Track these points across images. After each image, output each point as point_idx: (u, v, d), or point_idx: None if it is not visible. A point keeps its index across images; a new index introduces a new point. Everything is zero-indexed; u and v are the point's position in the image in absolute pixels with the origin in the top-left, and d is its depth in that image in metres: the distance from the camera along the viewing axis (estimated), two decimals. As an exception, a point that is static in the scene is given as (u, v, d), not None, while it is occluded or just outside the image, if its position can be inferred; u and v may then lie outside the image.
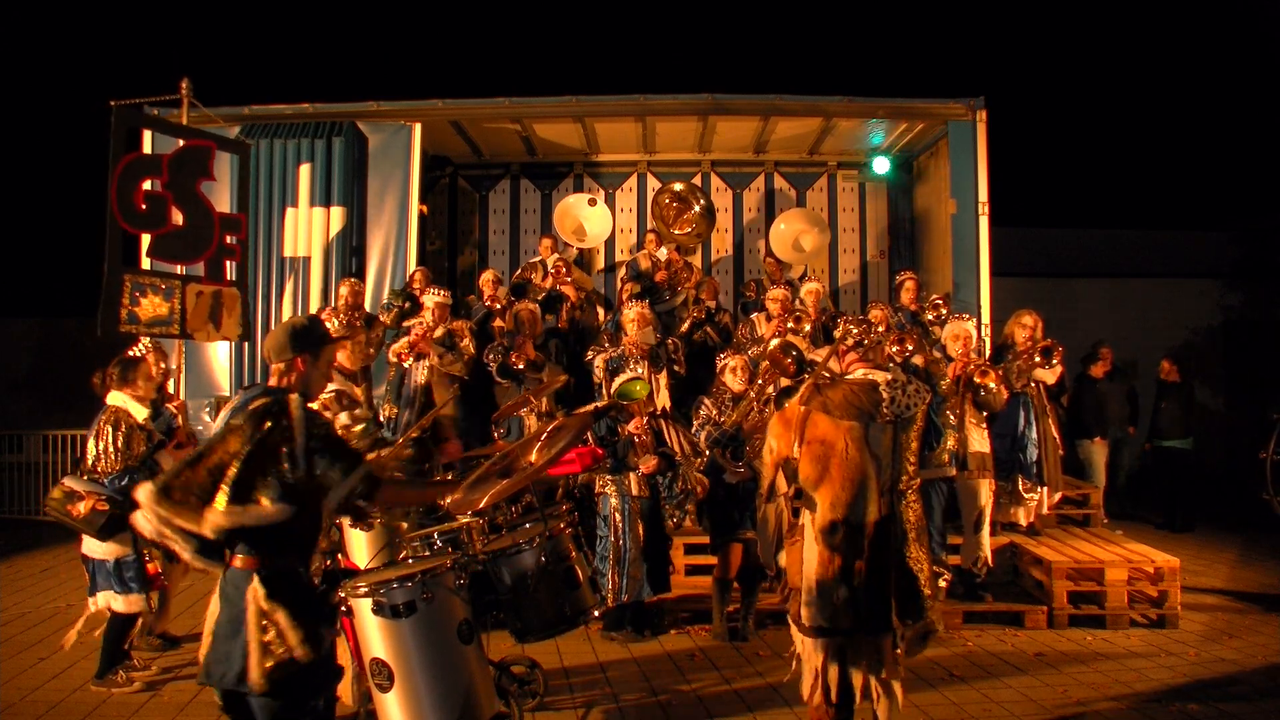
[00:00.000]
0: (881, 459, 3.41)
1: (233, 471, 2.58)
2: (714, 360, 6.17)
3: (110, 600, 4.66)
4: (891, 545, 3.42)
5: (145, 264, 6.35)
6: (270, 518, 2.62)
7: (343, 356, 4.73)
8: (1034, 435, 6.17)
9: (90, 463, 4.67)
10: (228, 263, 6.27)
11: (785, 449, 3.49)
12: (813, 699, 3.49)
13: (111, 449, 4.64)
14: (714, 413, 5.41)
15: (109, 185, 5.78)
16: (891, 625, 3.41)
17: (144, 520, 2.53)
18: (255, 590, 2.64)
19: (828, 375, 3.69)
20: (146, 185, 5.83)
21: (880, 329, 6.55)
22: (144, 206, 5.78)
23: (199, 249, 6.07)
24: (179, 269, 6.38)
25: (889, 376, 3.52)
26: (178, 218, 5.94)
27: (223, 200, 6.74)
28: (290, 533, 2.69)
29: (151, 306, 5.74)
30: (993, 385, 5.68)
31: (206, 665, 2.70)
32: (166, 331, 5.93)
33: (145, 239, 6.30)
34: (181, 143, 6.24)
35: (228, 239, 6.23)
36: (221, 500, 2.54)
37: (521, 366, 6.53)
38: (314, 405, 2.97)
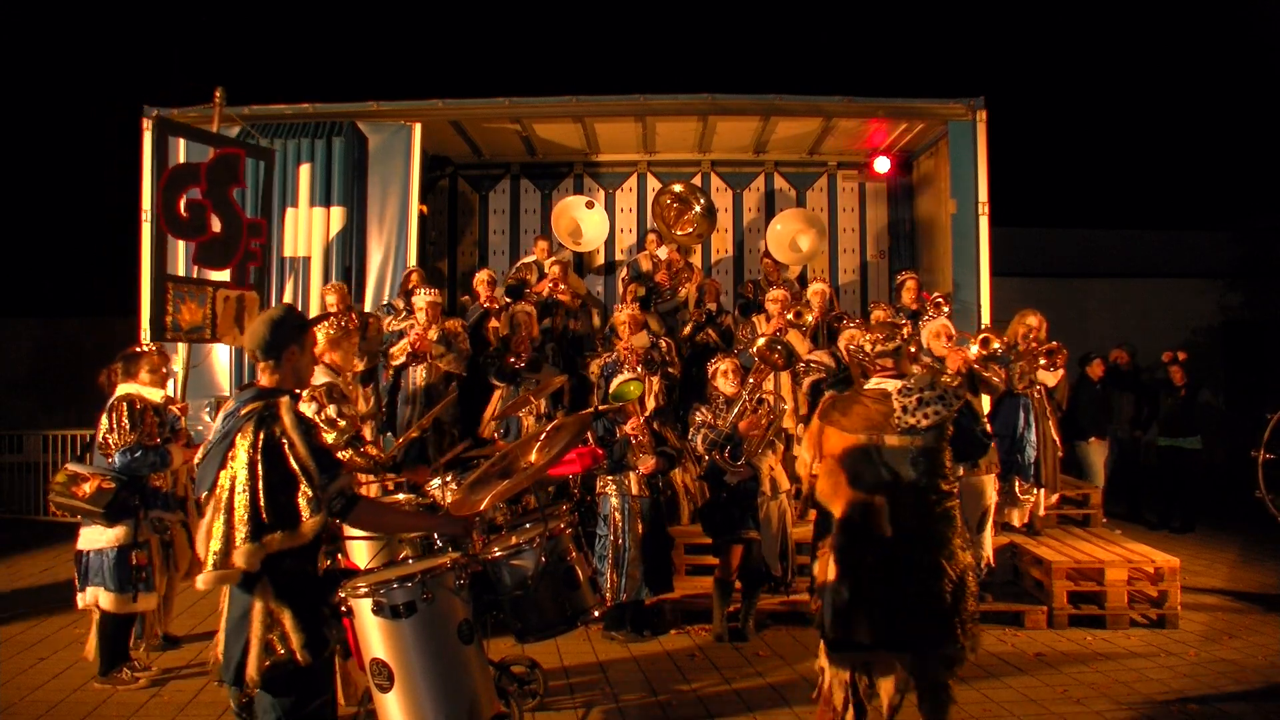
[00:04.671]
0: (899, 471, 3.31)
1: (263, 498, 2.62)
2: (715, 363, 6.15)
3: (99, 596, 4.62)
4: (915, 560, 3.28)
5: (183, 271, 6.42)
6: (315, 528, 2.66)
7: (335, 355, 4.72)
8: (1033, 437, 6.18)
9: (102, 436, 4.66)
10: (251, 267, 6.34)
11: (805, 466, 3.49)
12: (830, 703, 3.41)
13: (126, 422, 4.64)
14: (709, 417, 5.42)
15: (154, 195, 5.89)
16: (911, 644, 3.28)
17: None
18: (264, 588, 2.65)
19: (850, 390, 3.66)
20: (187, 194, 5.91)
21: (906, 332, 6.53)
22: (186, 215, 5.86)
23: (230, 255, 6.16)
24: (193, 273, 6.43)
25: (900, 385, 3.42)
26: (216, 225, 6.01)
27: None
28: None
29: (189, 313, 5.80)
30: (994, 379, 5.69)
31: (223, 663, 2.73)
32: (201, 337, 6.00)
33: (183, 246, 6.39)
34: (213, 151, 6.30)
35: (252, 244, 6.31)
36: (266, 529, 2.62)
37: (522, 366, 6.54)
38: (304, 396, 2.97)
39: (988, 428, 5.83)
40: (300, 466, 2.66)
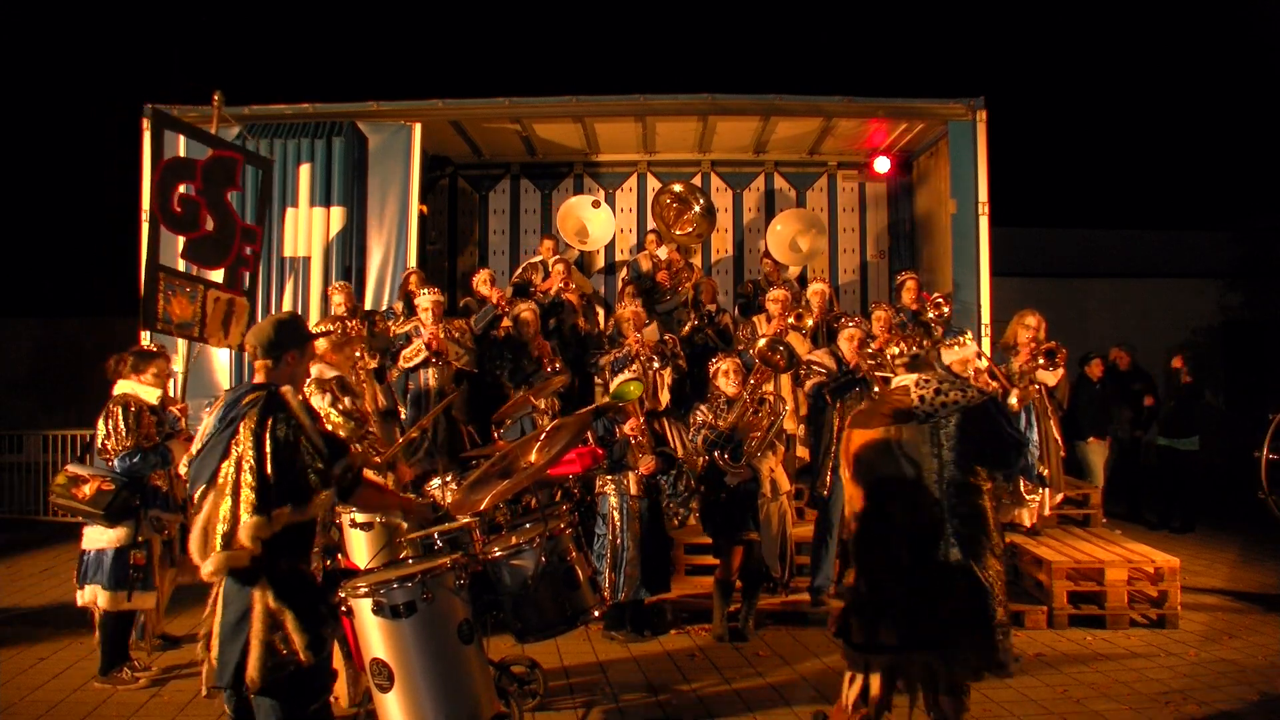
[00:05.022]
0: (921, 464, 3.26)
1: (272, 475, 2.64)
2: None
3: (96, 595, 4.62)
4: (934, 558, 3.21)
5: (182, 268, 6.42)
6: (325, 504, 2.72)
7: (336, 356, 4.75)
8: (1035, 437, 6.17)
9: (100, 442, 4.66)
10: (244, 273, 6.34)
11: (846, 481, 3.50)
12: (850, 706, 3.35)
13: (123, 426, 4.64)
14: (709, 417, 5.41)
15: (149, 185, 5.88)
16: (936, 643, 3.20)
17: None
18: (264, 590, 2.65)
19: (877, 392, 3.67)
20: (181, 189, 5.91)
21: (927, 344, 6.49)
22: (179, 209, 5.86)
23: (221, 256, 6.15)
24: (191, 271, 6.42)
25: (916, 377, 3.40)
26: (209, 223, 6.01)
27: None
28: (294, 529, 2.70)
29: (179, 308, 5.81)
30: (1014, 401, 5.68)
31: (218, 667, 2.71)
32: (190, 334, 5.99)
33: (179, 241, 6.38)
34: (211, 151, 6.30)
35: (245, 250, 6.30)
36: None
37: (559, 366, 6.56)
38: (315, 389, 3.00)
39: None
40: (310, 444, 2.71)
